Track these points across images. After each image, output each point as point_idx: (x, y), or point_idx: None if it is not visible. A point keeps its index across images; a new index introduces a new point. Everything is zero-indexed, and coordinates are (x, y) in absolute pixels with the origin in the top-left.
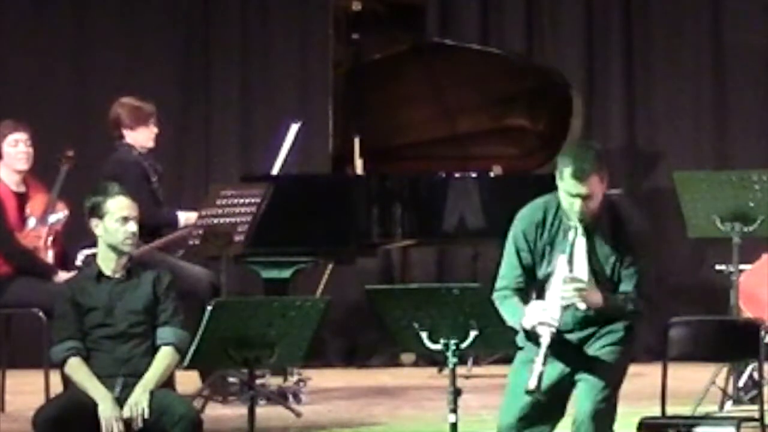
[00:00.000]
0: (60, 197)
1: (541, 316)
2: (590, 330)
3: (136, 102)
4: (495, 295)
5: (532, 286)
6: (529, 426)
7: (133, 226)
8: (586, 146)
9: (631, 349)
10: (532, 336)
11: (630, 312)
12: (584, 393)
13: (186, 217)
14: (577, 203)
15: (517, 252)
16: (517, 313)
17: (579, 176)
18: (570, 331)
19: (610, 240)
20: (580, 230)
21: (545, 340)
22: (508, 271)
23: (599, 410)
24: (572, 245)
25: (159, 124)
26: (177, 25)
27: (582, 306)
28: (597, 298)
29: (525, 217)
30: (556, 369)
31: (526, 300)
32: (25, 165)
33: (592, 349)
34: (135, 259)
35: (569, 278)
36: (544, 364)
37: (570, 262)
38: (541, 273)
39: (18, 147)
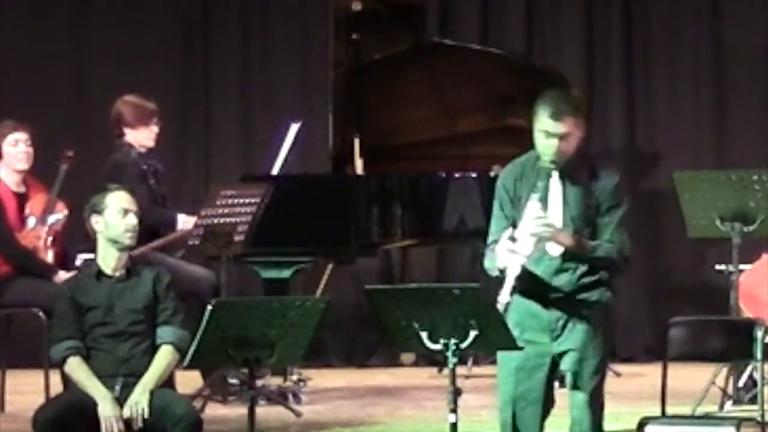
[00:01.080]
0: (60, 197)
1: (511, 245)
2: (568, 294)
3: (138, 100)
4: (485, 252)
5: None
6: (528, 404)
7: (133, 219)
8: (564, 91)
9: (612, 327)
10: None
11: (600, 258)
12: (573, 384)
13: (184, 220)
14: (553, 144)
15: (501, 206)
16: (495, 259)
17: (555, 116)
18: (546, 297)
19: (586, 188)
20: (555, 175)
21: (514, 269)
22: (495, 224)
23: (589, 400)
24: (546, 189)
25: (161, 124)
26: (177, 25)
27: (552, 250)
28: (566, 237)
29: (506, 171)
30: (537, 348)
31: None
32: (25, 165)
33: (573, 334)
34: (135, 259)
35: (539, 215)
36: (511, 294)
37: (544, 206)
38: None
39: (18, 147)
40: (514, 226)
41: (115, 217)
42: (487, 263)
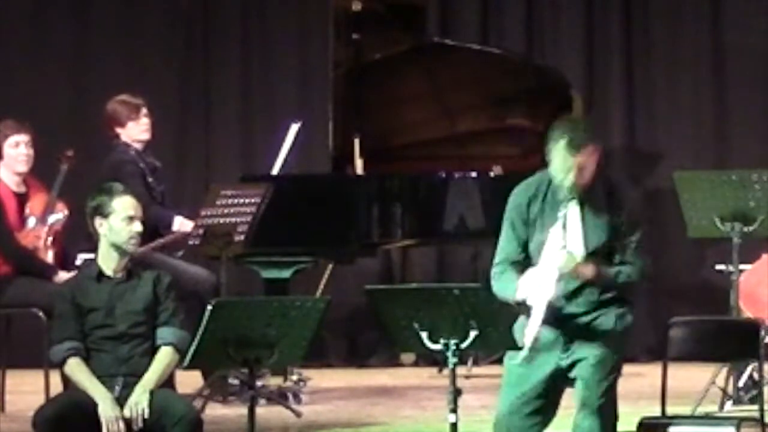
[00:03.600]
0: (60, 197)
1: (536, 285)
2: (583, 313)
3: (123, 98)
4: (493, 273)
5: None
6: (526, 416)
7: (138, 226)
8: (578, 120)
9: (627, 338)
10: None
11: (623, 282)
12: (583, 390)
13: (181, 222)
14: (571, 175)
15: (513, 225)
16: (511, 287)
17: (573, 146)
18: (562, 316)
19: (603, 211)
20: (574, 201)
21: (540, 306)
22: (506, 244)
23: (599, 406)
24: (565, 216)
25: (152, 115)
26: (177, 25)
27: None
28: (589, 270)
29: (519, 191)
30: (550, 362)
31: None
32: (24, 167)
33: (587, 343)
34: (135, 260)
35: (564, 251)
36: (540, 325)
37: (564, 231)
38: (533, 245)
39: (19, 149)
40: (526, 246)
41: (121, 223)
42: (497, 286)
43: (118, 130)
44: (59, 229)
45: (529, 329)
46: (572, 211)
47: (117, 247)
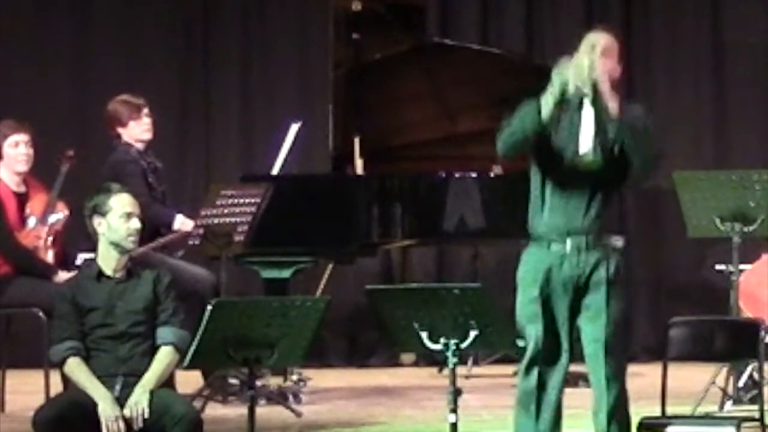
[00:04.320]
0: (60, 197)
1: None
2: (583, 262)
3: (124, 98)
4: (507, 124)
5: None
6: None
7: (136, 223)
8: None
9: (625, 290)
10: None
11: (640, 142)
12: (594, 355)
13: (182, 222)
14: (595, 56)
15: (532, 100)
16: (532, 105)
17: (601, 29)
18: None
19: (616, 119)
20: (587, 104)
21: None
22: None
23: (616, 374)
24: (579, 118)
25: (153, 114)
26: (177, 25)
27: (583, 145)
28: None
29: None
30: (559, 312)
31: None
32: (24, 167)
33: (594, 294)
34: (135, 259)
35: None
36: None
37: (577, 132)
38: (544, 147)
39: (18, 149)
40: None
41: (119, 220)
42: (512, 121)
43: (120, 130)
44: (59, 229)
45: (584, 129)
46: (586, 114)
47: (116, 245)
